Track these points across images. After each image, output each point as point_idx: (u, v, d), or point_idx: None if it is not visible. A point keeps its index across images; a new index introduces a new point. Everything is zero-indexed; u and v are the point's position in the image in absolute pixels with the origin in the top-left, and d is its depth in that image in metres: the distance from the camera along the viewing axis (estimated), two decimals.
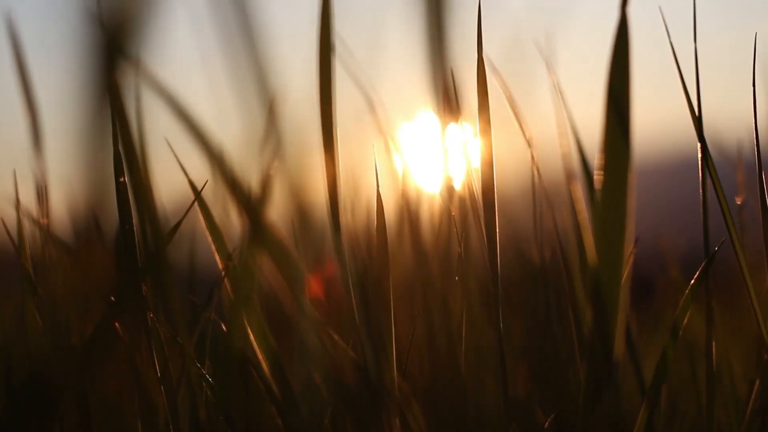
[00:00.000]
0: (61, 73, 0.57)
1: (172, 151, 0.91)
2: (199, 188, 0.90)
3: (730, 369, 1.06)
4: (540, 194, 0.92)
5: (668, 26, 0.90)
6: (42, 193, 0.93)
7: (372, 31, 0.75)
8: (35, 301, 0.92)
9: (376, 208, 0.89)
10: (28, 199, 0.95)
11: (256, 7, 0.61)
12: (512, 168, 0.89)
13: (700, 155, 0.90)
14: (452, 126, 0.80)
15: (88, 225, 0.65)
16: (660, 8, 0.90)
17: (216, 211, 0.90)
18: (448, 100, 0.76)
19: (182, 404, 0.89)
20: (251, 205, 0.72)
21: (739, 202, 1.10)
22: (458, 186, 0.86)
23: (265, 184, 0.72)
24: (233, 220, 0.89)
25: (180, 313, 0.87)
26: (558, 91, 0.92)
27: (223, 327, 0.92)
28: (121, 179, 0.83)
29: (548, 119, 0.89)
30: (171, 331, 0.87)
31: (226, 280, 0.87)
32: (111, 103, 0.59)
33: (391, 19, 0.74)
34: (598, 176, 0.79)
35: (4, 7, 0.94)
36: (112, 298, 0.81)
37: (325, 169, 0.83)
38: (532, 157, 0.91)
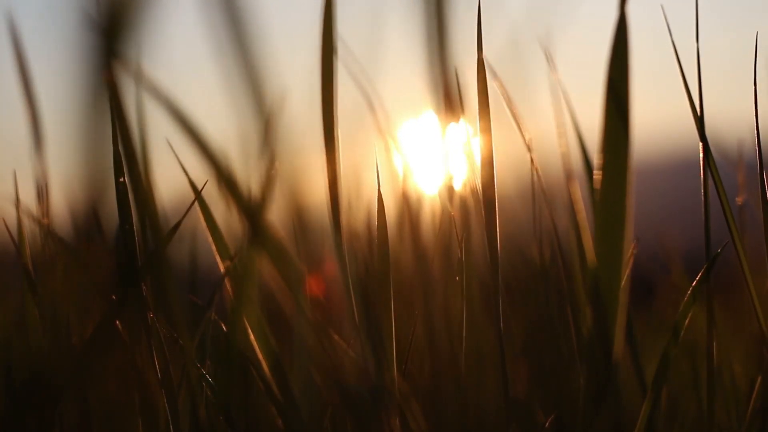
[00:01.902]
0: (62, 73, 0.57)
1: (172, 151, 0.91)
2: (199, 188, 0.90)
3: (731, 368, 1.06)
4: (540, 194, 0.92)
5: (670, 26, 0.90)
6: (42, 193, 0.93)
7: (373, 30, 0.75)
8: (35, 301, 0.92)
9: (376, 207, 0.89)
10: (29, 199, 0.95)
11: (253, 6, 0.61)
12: (513, 167, 0.89)
13: (701, 155, 0.89)
14: (453, 125, 0.80)
15: (89, 224, 0.65)
16: (662, 8, 0.90)
17: (216, 211, 0.90)
18: (449, 100, 0.76)
19: (182, 404, 0.89)
20: (251, 207, 0.72)
21: (740, 202, 1.10)
22: (458, 186, 0.86)
23: (265, 185, 0.72)
24: (234, 220, 0.89)
25: (180, 313, 0.87)
26: (559, 90, 0.92)
27: (224, 327, 0.92)
28: (121, 179, 0.83)
29: (549, 118, 0.89)
30: (171, 331, 0.87)
31: (226, 280, 0.87)
32: (111, 103, 0.59)
33: (391, 19, 0.74)
34: (597, 176, 0.79)
35: (5, 7, 0.94)
36: (112, 298, 0.81)
37: (326, 169, 0.82)
38: (532, 157, 0.91)
